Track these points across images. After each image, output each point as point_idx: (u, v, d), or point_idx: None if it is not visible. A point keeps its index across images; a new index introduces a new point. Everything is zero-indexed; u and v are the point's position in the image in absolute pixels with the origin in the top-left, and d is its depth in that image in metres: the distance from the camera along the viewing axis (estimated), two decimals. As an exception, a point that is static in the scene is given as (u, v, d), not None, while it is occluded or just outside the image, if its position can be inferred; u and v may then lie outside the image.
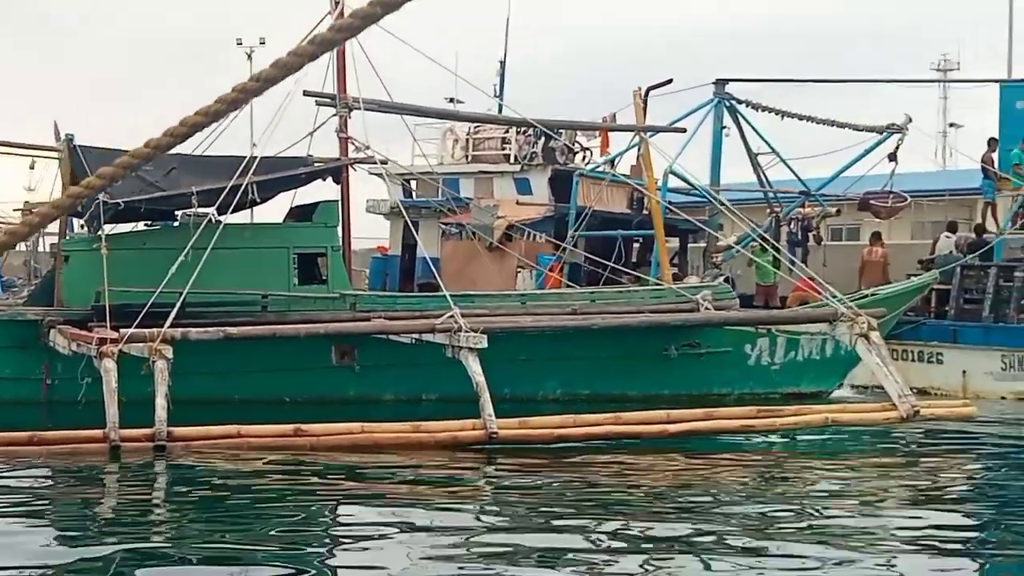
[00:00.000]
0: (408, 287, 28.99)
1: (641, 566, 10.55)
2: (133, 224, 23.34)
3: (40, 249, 37.50)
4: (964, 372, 25.57)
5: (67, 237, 25.16)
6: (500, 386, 18.26)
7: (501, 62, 33.92)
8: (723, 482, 14.93)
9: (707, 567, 10.47)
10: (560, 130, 29.27)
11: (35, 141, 28.21)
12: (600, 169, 30.68)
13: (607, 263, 26.00)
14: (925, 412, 18.18)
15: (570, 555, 10.70)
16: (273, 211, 25.39)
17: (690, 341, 22.28)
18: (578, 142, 32.00)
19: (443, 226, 29.90)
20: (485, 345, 17.99)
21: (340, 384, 21.10)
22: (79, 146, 21.32)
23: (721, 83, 29.00)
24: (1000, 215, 29.34)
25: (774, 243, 25.75)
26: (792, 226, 30.09)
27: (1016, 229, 27.37)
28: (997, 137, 30.04)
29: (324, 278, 22.67)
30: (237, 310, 21.10)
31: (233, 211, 21.12)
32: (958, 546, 11.64)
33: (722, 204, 26.91)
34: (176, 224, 22.58)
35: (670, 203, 27.80)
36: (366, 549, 10.98)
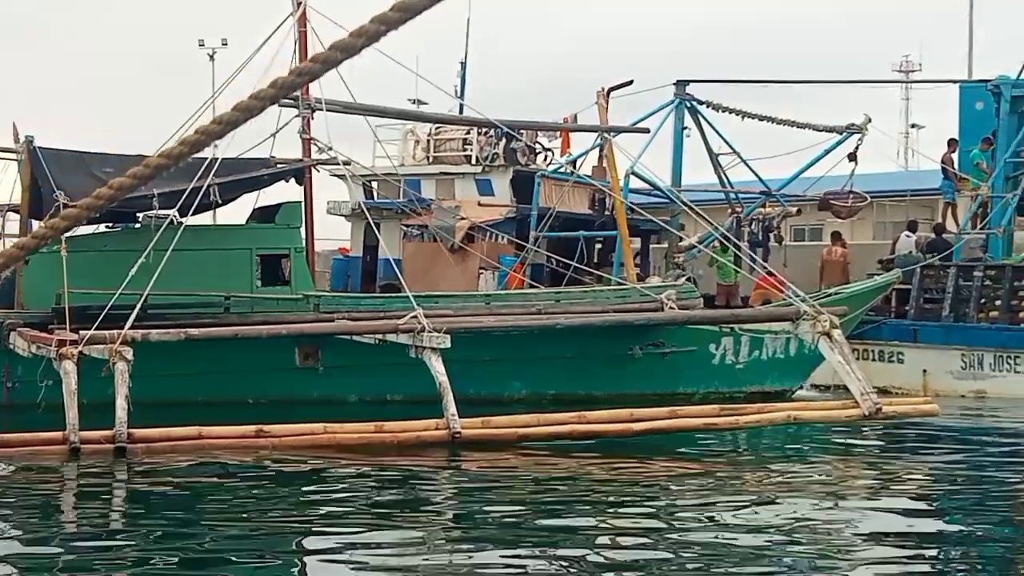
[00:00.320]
0: (370, 288, 28.90)
1: (605, 564, 10.57)
2: (94, 226, 23.18)
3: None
4: (925, 371, 25.75)
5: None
6: (465, 387, 18.26)
7: (462, 63, 33.84)
8: (686, 480, 14.98)
9: (669, 564, 10.49)
10: (522, 130, 29.26)
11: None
12: (562, 170, 30.69)
13: (570, 263, 26.03)
14: (887, 410, 18.26)
15: (535, 552, 10.71)
16: (236, 212, 25.31)
17: (655, 341, 22.33)
18: (539, 143, 31.97)
19: (405, 228, 29.85)
20: (448, 345, 18.00)
21: (304, 385, 21.03)
22: (39, 148, 21.15)
23: (682, 84, 29.09)
24: (960, 215, 29.53)
25: (736, 242, 25.83)
26: (753, 226, 30.17)
27: (980, 230, 27.52)
28: (957, 138, 30.25)
29: (287, 279, 22.60)
30: (199, 312, 21.00)
31: (195, 213, 21.01)
32: (919, 539, 11.70)
33: (684, 204, 26.98)
34: (137, 226, 22.45)
35: (632, 203, 27.84)
36: (326, 552, 10.91)
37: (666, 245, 30.69)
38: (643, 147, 28.29)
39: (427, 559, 10.52)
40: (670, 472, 15.57)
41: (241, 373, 20.38)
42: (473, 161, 31.14)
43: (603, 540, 11.51)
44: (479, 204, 29.78)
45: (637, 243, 31.32)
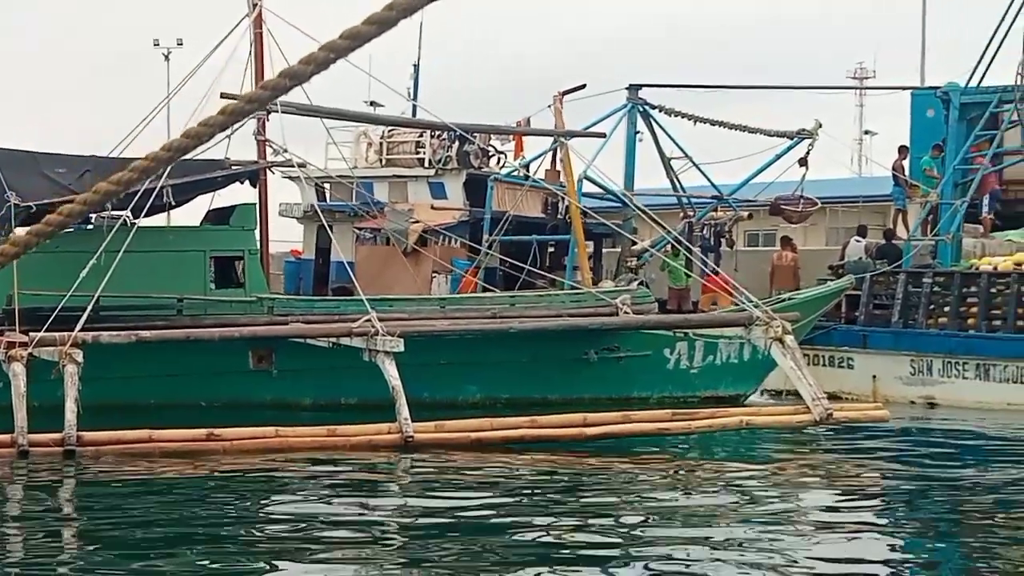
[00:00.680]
0: (322, 291, 28.81)
1: (556, 567, 10.59)
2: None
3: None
4: (874, 377, 25.91)
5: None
6: (419, 390, 18.25)
7: (415, 65, 33.82)
8: (639, 483, 15.05)
9: (619, 563, 10.55)
10: (475, 133, 29.27)
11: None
12: (516, 173, 30.72)
13: (523, 267, 26.04)
14: (838, 415, 18.43)
15: (486, 555, 10.74)
16: (190, 214, 25.18)
17: (609, 345, 22.36)
18: (492, 146, 31.99)
19: (358, 230, 29.78)
20: (401, 349, 18.01)
21: (257, 388, 20.92)
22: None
23: (634, 88, 29.19)
24: (911, 222, 29.75)
25: (688, 246, 25.96)
26: (704, 230, 30.29)
27: (930, 236, 27.73)
28: (908, 144, 30.50)
29: (241, 282, 22.50)
30: (152, 314, 20.87)
31: (149, 214, 20.87)
32: (870, 542, 11.81)
33: (637, 208, 27.06)
34: (90, 227, 22.28)
35: (585, 207, 27.90)
36: (277, 557, 10.88)
37: (619, 249, 30.77)
38: (596, 151, 28.39)
39: (379, 563, 10.51)
40: (624, 475, 15.62)
41: (194, 376, 20.26)
42: (426, 164, 31.14)
43: (555, 543, 11.53)
44: (432, 207, 29.77)
45: (590, 247, 31.37)
